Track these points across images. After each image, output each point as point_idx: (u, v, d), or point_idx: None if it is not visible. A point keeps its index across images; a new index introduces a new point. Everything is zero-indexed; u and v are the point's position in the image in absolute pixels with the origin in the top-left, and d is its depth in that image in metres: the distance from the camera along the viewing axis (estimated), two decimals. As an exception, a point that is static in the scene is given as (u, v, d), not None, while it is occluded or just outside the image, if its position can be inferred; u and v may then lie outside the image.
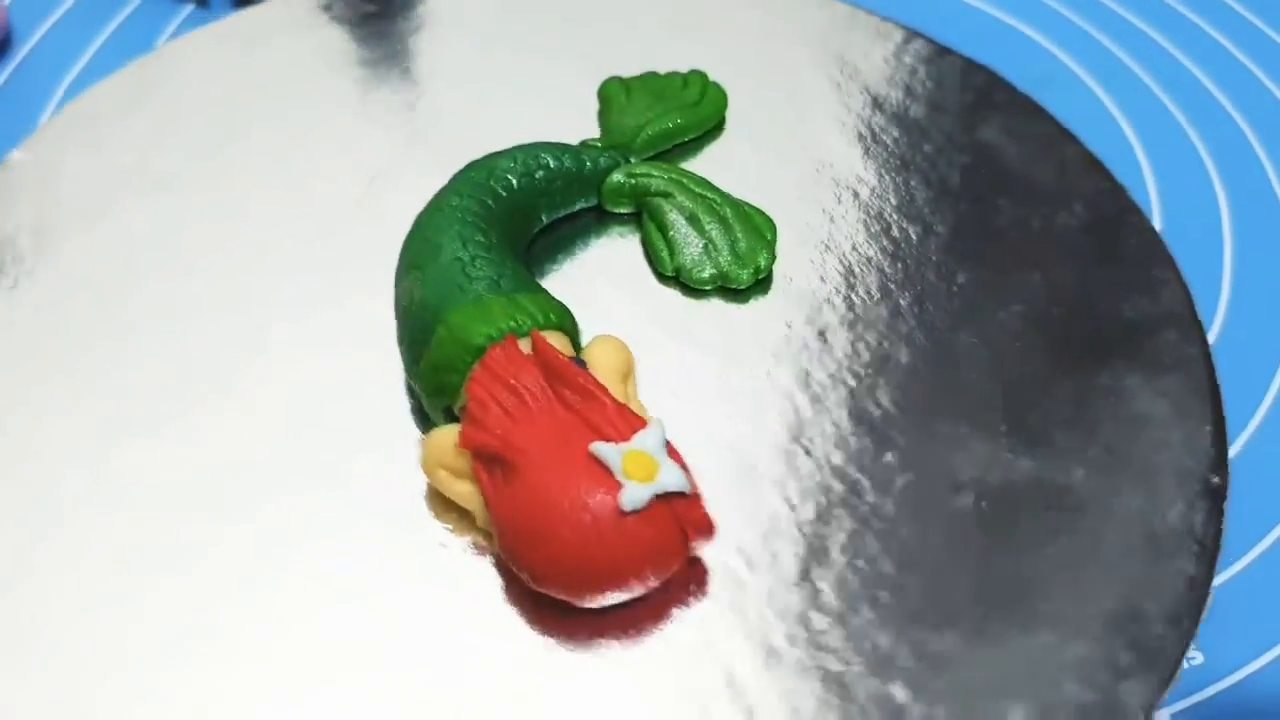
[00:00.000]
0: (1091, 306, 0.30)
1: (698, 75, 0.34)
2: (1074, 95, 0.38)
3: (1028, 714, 0.24)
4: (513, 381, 0.25)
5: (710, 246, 0.31)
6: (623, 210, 0.32)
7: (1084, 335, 0.30)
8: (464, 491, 0.26)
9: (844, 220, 0.32)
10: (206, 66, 0.36)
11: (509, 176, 0.30)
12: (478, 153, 0.31)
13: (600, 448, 0.24)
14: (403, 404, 0.29)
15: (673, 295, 0.31)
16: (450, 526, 0.26)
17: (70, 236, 0.32)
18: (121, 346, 0.30)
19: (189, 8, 0.41)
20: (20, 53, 0.39)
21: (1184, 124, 0.38)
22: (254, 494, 0.27)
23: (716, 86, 0.34)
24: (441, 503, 0.27)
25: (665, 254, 0.31)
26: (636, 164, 0.32)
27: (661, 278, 0.31)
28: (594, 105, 0.34)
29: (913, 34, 0.37)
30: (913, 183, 0.33)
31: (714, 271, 0.30)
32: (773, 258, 0.31)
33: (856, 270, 0.31)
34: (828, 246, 0.32)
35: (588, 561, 0.23)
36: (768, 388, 0.29)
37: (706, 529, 0.24)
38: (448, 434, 0.26)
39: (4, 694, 0.25)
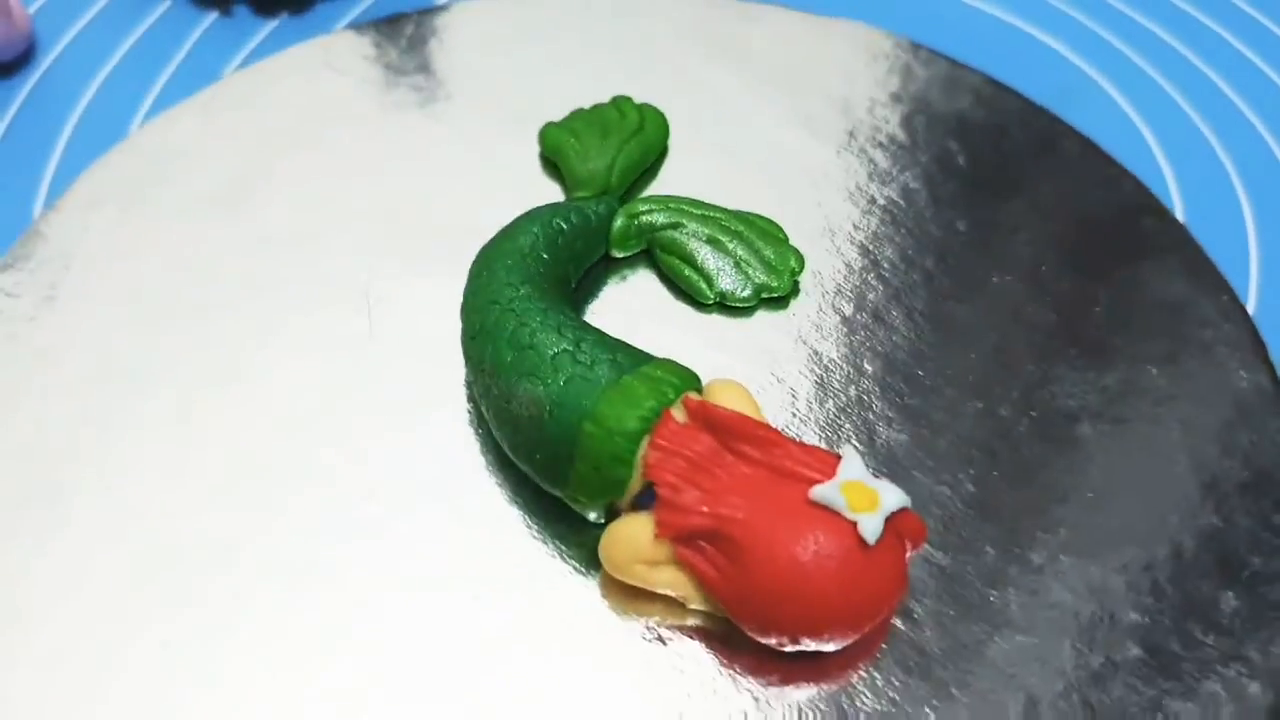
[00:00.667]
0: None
1: (627, 101, 0.34)
2: (1097, 105, 0.38)
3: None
4: (690, 454, 0.24)
5: (742, 263, 0.31)
6: (631, 252, 0.32)
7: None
8: (668, 579, 0.24)
9: (831, 207, 0.33)
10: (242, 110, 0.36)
11: (541, 251, 0.29)
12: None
13: (821, 491, 0.23)
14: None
15: (721, 320, 0.31)
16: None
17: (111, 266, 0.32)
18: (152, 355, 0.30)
19: (213, 16, 0.41)
20: (45, 61, 0.39)
21: (1207, 133, 0.37)
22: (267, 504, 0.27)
23: (652, 109, 0.34)
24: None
25: (702, 284, 0.31)
26: (632, 204, 0.32)
27: (702, 306, 0.31)
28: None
29: (871, 30, 0.37)
30: (875, 158, 0.33)
31: (755, 286, 0.31)
32: (800, 256, 0.31)
33: (870, 248, 0.32)
34: (829, 233, 0.32)
35: (850, 604, 0.23)
36: (856, 376, 0.29)
37: (923, 534, 0.24)
38: (635, 527, 0.25)
39: (28, 686, 0.25)
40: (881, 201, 0.33)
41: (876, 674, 0.25)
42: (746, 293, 0.30)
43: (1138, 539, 0.27)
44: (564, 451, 0.25)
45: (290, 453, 0.28)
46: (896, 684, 0.25)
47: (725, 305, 0.31)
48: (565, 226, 0.30)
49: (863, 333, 0.30)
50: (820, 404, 0.29)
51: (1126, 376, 0.29)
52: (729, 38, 0.37)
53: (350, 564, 0.26)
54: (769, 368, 0.30)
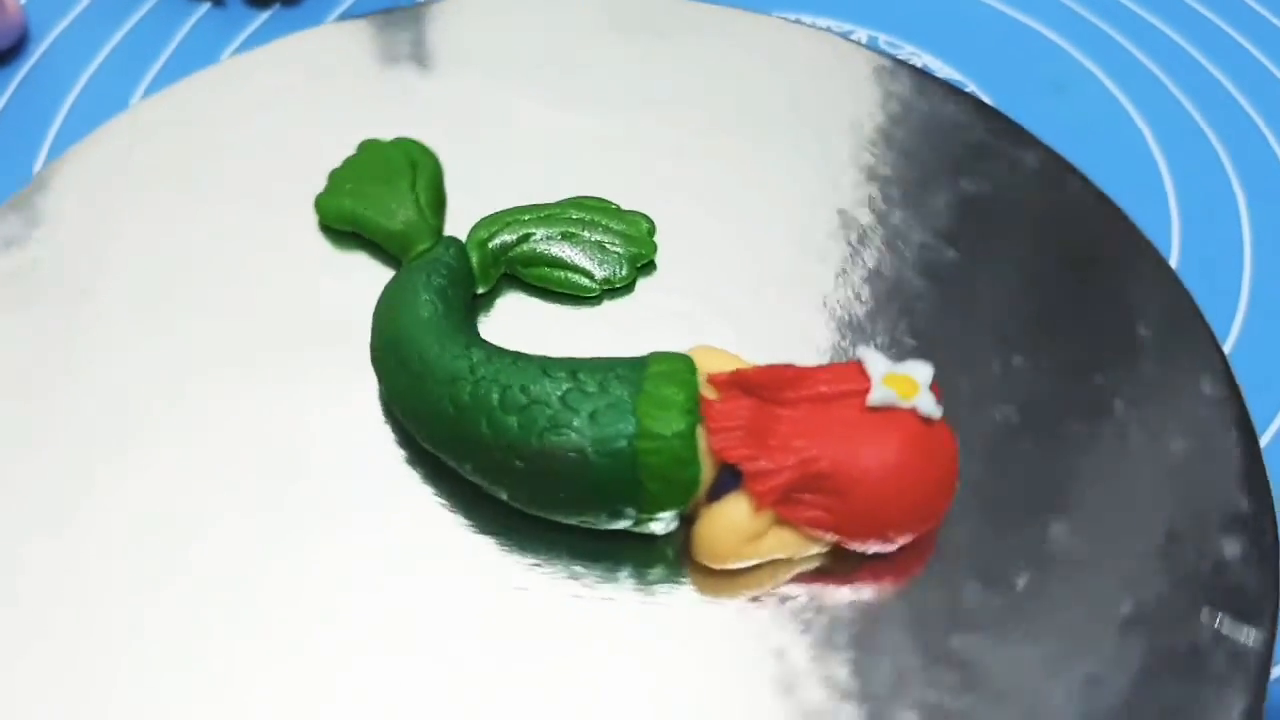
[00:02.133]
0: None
1: (375, 144, 0.32)
2: (1093, 97, 0.38)
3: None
4: (744, 422, 0.24)
5: (605, 245, 0.30)
6: (493, 284, 0.30)
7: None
8: (774, 544, 0.25)
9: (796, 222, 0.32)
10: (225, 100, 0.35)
11: (446, 314, 0.28)
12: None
13: (879, 396, 0.24)
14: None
15: (614, 304, 0.30)
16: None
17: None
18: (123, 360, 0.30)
19: (205, 7, 0.41)
20: (37, 51, 0.39)
21: (1202, 125, 0.37)
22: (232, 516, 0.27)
23: (406, 141, 0.32)
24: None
25: (583, 279, 0.30)
26: (474, 234, 0.30)
27: (587, 300, 0.30)
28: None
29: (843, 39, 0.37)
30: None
31: (629, 260, 0.30)
32: (647, 216, 0.31)
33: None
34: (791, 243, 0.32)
35: (944, 472, 0.25)
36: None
37: (938, 388, 0.25)
38: (727, 513, 0.25)
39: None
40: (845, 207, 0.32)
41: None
42: (624, 271, 0.30)
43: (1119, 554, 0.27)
44: (626, 479, 0.24)
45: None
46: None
47: (610, 289, 0.30)
48: (443, 281, 0.28)
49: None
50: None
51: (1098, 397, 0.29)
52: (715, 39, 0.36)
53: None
54: (696, 332, 0.29)
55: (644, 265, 0.30)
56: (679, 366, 0.25)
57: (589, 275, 0.30)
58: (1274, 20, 0.40)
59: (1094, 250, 0.31)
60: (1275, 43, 0.40)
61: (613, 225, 0.31)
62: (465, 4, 0.38)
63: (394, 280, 0.29)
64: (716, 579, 0.26)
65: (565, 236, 0.30)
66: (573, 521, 0.26)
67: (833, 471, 0.24)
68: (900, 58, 0.35)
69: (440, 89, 0.35)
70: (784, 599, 0.26)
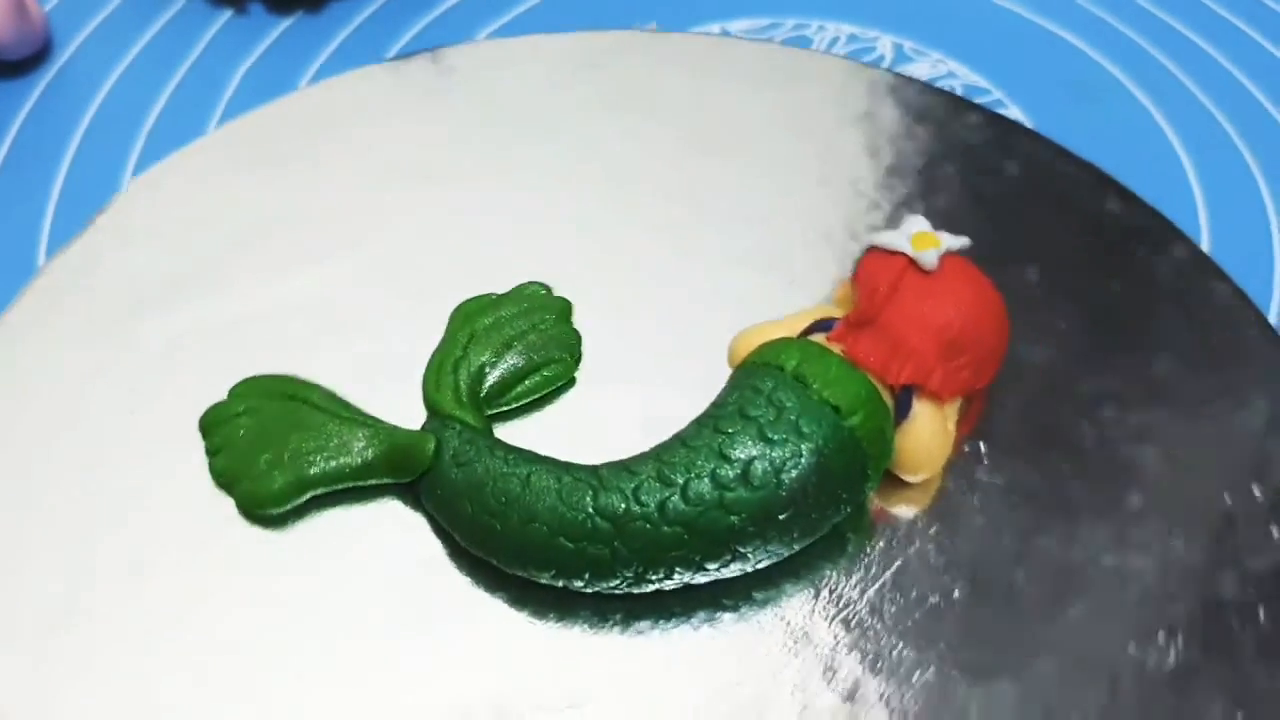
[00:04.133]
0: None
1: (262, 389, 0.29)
2: (1121, 105, 0.37)
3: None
4: (883, 350, 0.26)
5: (538, 328, 0.29)
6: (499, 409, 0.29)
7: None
8: (952, 423, 0.27)
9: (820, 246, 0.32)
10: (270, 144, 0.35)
11: (508, 471, 0.26)
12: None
13: (928, 257, 0.26)
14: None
15: (606, 376, 0.29)
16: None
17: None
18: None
19: (227, 14, 0.41)
20: (60, 59, 0.39)
21: (1231, 133, 0.37)
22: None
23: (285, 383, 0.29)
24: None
25: (559, 369, 0.29)
26: (435, 400, 0.28)
27: (566, 387, 0.29)
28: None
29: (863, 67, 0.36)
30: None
31: (570, 342, 0.29)
32: (539, 285, 0.30)
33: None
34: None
35: (988, 297, 0.27)
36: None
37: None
38: (930, 418, 0.26)
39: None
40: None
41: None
42: (575, 338, 0.29)
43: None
44: (854, 462, 0.25)
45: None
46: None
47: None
48: (481, 450, 0.26)
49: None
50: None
51: (1153, 392, 0.29)
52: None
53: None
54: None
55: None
56: (805, 353, 0.26)
57: (559, 360, 0.29)
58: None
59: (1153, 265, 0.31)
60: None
61: (524, 311, 0.30)
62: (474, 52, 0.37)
63: (436, 492, 0.26)
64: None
65: (507, 346, 0.29)
66: (798, 539, 0.25)
67: (960, 329, 0.26)
68: (908, 72, 0.35)
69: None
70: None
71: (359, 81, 0.36)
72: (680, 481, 0.24)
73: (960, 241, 0.27)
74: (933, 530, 0.27)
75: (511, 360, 0.28)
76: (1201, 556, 0.27)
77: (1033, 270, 0.31)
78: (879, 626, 0.26)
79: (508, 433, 0.28)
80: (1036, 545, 0.27)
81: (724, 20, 0.40)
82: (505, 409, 0.28)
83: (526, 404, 0.28)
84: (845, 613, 0.26)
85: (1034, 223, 0.32)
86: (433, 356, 0.28)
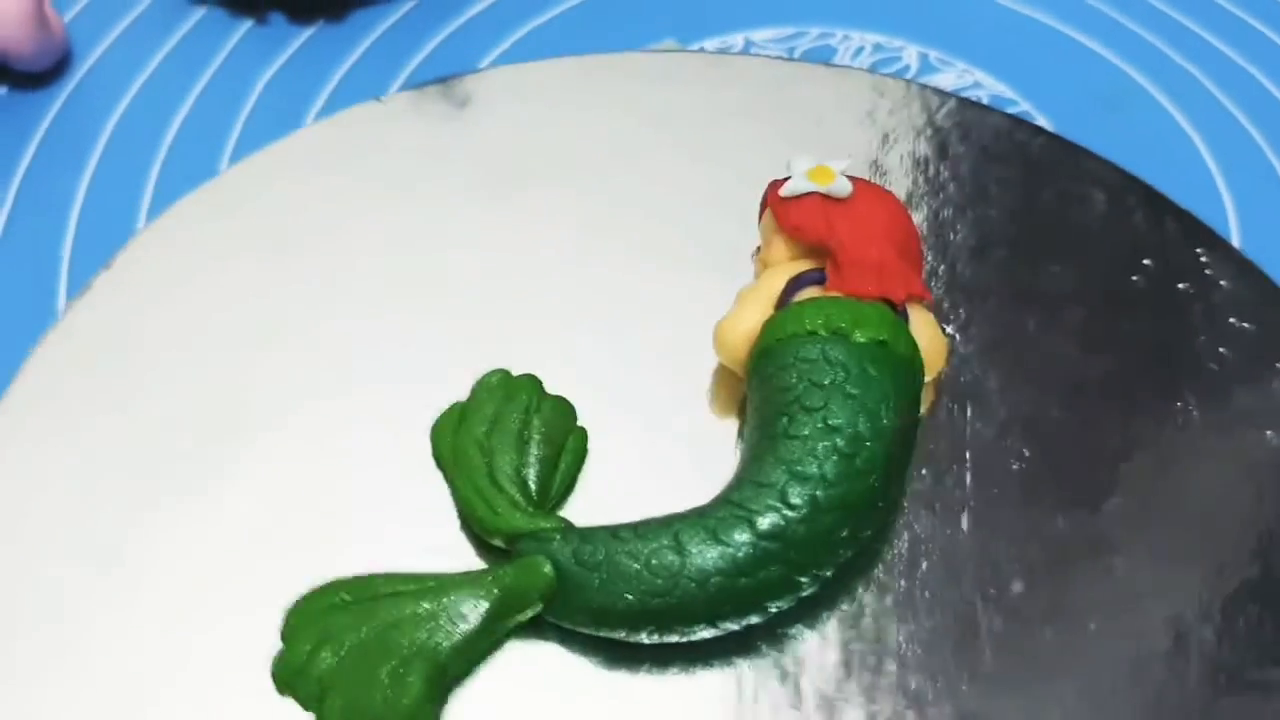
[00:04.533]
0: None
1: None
2: (1148, 113, 0.37)
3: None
4: (872, 269, 0.27)
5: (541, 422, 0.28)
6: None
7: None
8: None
9: None
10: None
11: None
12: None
13: (791, 186, 0.28)
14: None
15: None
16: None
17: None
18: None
19: (247, 24, 0.40)
20: (80, 70, 0.39)
21: (1260, 141, 0.37)
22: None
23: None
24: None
25: (578, 441, 0.28)
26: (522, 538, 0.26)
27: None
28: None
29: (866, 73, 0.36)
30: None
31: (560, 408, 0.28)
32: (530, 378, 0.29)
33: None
34: None
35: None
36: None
37: None
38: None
39: None
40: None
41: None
42: (573, 411, 0.29)
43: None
44: (916, 384, 0.26)
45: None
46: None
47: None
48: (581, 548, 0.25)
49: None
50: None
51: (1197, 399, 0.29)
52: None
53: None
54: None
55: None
56: (825, 308, 0.26)
57: (573, 431, 0.28)
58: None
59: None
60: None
61: (506, 401, 0.28)
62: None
63: (575, 604, 0.25)
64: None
65: (523, 442, 0.27)
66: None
67: (902, 232, 0.28)
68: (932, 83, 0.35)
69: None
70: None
71: (372, 115, 0.35)
72: (814, 469, 0.24)
73: (845, 161, 0.28)
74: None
75: (535, 452, 0.27)
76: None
77: (1066, 277, 0.31)
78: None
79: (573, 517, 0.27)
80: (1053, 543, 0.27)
81: (748, 30, 0.39)
82: (561, 498, 0.27)
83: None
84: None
85: (1058, 222, 0.32)
86: (456, 485, 0.27)
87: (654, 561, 0.24)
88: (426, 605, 0.24)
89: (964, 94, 0.37)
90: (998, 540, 0.27)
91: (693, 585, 0.24)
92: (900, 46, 0.39)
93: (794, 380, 0.25)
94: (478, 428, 0.27)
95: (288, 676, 0.24)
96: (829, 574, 0.25)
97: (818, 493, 0.24)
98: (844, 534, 0.24)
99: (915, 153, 0.34)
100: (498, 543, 0.26)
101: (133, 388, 0.29)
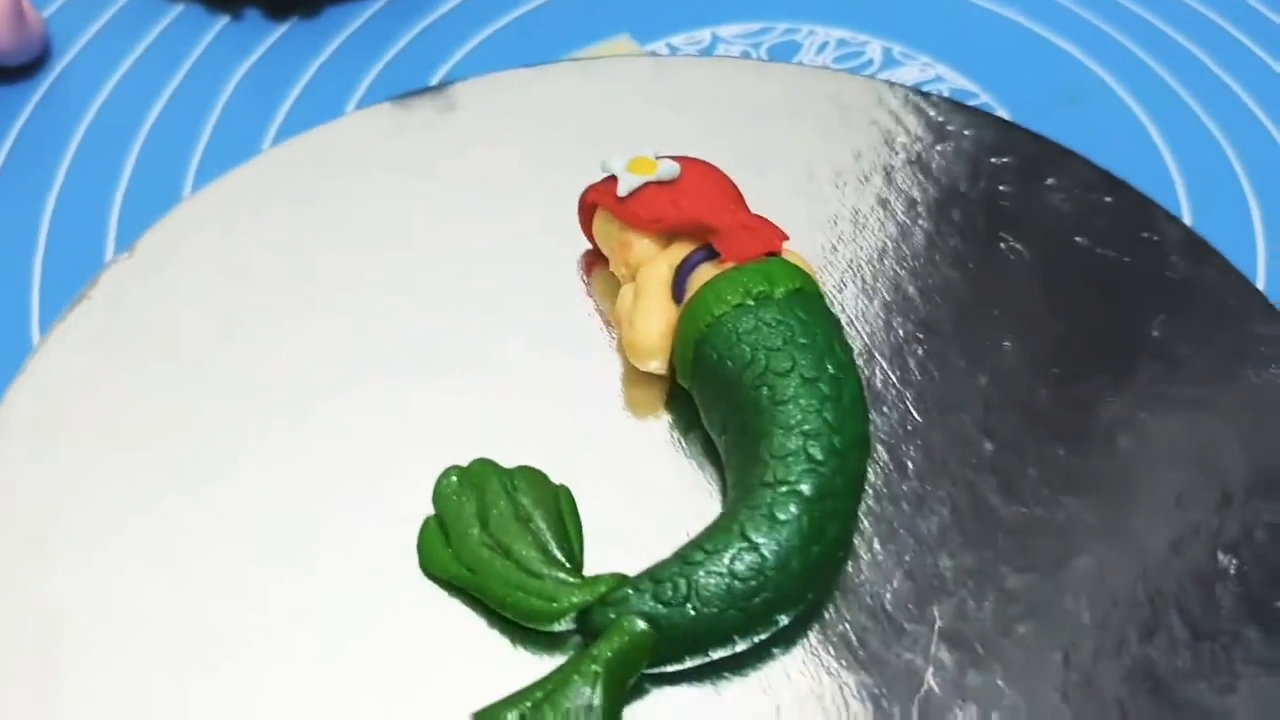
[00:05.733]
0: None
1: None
2: (1107, 107, 0.38)
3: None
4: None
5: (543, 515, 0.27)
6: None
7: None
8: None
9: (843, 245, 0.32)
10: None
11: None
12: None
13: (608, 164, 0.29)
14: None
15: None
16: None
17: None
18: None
19: (224, 21, 0.41)
20: (59, 65, 0.40)
21: (1218, 135, 0.37)
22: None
23: None
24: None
25: (566, 497, 0.28)
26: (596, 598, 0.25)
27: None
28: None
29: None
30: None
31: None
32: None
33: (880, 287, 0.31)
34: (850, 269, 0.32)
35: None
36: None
37: None
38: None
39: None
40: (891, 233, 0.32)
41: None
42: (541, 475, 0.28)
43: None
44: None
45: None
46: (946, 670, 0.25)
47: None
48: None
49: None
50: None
51: (1157, 378, 0.30)
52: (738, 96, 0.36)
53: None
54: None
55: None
56: (748, 274, 0.27)
57: (556, 490, 0.27)
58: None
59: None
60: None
61: (479, 492, 0.27)
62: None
63: (682, 645, 0.24)
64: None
65: (523, 522, 0.27)
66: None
67: (732, 187, 0.29)
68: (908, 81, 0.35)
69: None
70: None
71: (354, 127, 0.36)
72: (818, 422, 0.25)
73: (648, 149, 0.29)
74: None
75: (543, 526, 0.26)
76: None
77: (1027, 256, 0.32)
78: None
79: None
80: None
81: (714, 25, 0.40)
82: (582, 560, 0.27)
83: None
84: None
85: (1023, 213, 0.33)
86: (490, 592, 0.26)
87: (738, 566, 0.24)
88: (551, 716, 0.23)
89: (925, 87, 0.37)
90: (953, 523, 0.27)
91: (778, 573, 0.24)
92: (864, 41, 0.39)
93: (748, 354, 0.26)
94: (472, 530, 0.26)
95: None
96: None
97: (834, 441, 0.25)
98: (865, 467, 0.26)
99: (864, 141, 0.34)
100: (560, 628, 0.25)
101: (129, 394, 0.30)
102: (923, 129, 0.34)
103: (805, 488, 0.25)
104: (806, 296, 0.27)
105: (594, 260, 0.32)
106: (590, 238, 0.31)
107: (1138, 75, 0.39)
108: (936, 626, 0.26)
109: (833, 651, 0.26)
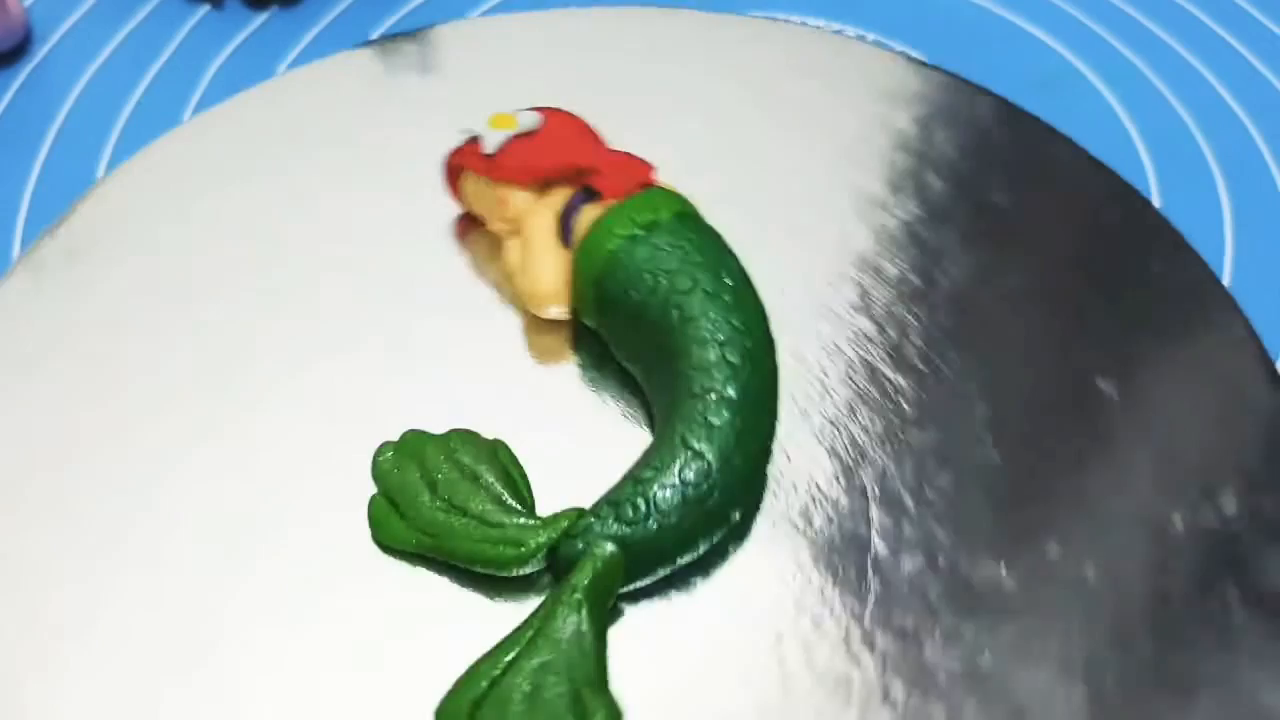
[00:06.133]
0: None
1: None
2: (1079, 94, 0.38)
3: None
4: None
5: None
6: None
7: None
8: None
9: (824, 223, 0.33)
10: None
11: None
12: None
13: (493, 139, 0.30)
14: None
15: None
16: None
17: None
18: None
19: (204, 9, 0.41)
20: (40, 52, 0.40)
21: (1189, 122, 0.37)
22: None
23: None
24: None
25: (504, 450, 0.28)
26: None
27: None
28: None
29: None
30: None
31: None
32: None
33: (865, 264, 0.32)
34: (826, 247, 0.32)
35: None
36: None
37: None
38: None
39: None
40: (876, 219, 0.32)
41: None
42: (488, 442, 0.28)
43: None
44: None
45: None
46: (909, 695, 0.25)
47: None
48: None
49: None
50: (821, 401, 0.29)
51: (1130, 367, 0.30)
52: (724, 53, 0.36)
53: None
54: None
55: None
56: (629, 207, 0.28)
57: (495, 444, 0.28)
58: (1259, 17, 0.40)
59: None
60: (1260, 38, 0.40)
61: (419, 459, 0.28)
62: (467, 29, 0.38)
63: (651, 552, 0.26)
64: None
65: (472, 479, 0.27)
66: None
67: (594, 131, 0.30)
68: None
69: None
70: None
71: (336, 68, 0.37)
72: (729, 329, 0.27)
73: (510, 110, 0.30)
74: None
75: (491, 479, 0.27)
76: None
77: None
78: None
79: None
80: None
81: (691, 10, 0.40)
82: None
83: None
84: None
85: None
86: (453, 552, 0.26)
87: (687, 475, 0.25)
88: (545, 653, 0.24)
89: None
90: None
91: (724, 473, 0.25)
92: (839, 30, 0.40)
93: (649, 280, 0.27)
94: (421, 497, 0.27)
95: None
96: None
97: (746, 344, 0.27)
98: (775, 363, 0.27)
99: (864, 116, 0.35)
100: (531, 569, 0.26)
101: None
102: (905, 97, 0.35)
103: (731, 391, 0.26)
104: (689, 218, 0.28)
105: (467, 223, 0.32)
106: (460, 201, 0.31)
107: (1109, 62, 0.39)
108: (869, 493, 0.27)
109: (783, 536, 0.27)
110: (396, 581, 0.26)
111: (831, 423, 0.29)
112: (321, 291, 0.31)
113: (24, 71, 0.40)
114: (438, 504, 0.26)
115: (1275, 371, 0.29)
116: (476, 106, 0.31)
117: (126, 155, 0.37)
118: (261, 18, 0.41)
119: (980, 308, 0.31)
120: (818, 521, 0.27)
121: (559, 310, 0.29)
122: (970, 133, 0.34)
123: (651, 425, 0.28)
